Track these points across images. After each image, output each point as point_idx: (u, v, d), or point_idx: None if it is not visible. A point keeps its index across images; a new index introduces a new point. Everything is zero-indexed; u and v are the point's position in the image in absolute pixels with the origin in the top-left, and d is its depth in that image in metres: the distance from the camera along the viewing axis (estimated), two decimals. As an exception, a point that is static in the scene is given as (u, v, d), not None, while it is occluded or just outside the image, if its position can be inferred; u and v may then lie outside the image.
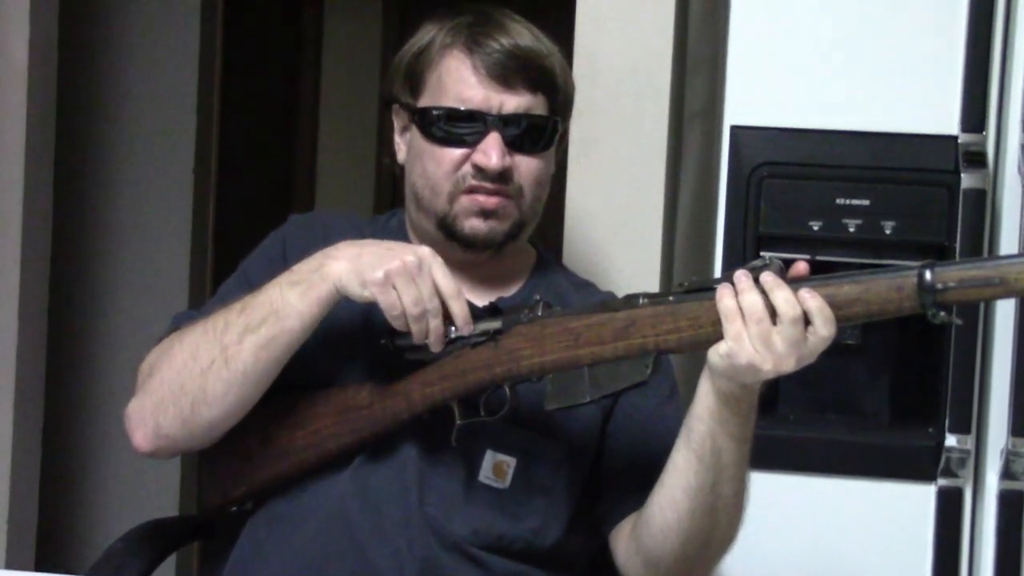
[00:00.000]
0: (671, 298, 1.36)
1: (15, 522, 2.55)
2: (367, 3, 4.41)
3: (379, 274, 1.40)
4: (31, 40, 2.47)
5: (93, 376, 3.07)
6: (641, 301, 1.37)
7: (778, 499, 1.84)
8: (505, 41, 1.54)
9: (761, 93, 1.88)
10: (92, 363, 3.07)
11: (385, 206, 4.26)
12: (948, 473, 1.82)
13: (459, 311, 1.43)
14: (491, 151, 1.52)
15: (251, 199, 3.88)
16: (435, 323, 1.42)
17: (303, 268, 1.45)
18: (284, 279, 1.45)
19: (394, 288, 1.40)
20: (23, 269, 2.51)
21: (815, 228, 1.85)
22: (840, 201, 1.85)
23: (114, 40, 3.04)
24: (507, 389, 1.44)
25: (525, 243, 1.65)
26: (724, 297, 1.31)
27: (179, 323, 1.56)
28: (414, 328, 1.42)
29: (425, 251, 1.43)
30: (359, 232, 1.63)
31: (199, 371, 1.45)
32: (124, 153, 3.06)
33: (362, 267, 1.42)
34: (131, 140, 3.06)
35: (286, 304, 1.43)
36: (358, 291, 1.42)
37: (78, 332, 3.05)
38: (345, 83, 4.39)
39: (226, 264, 1.67)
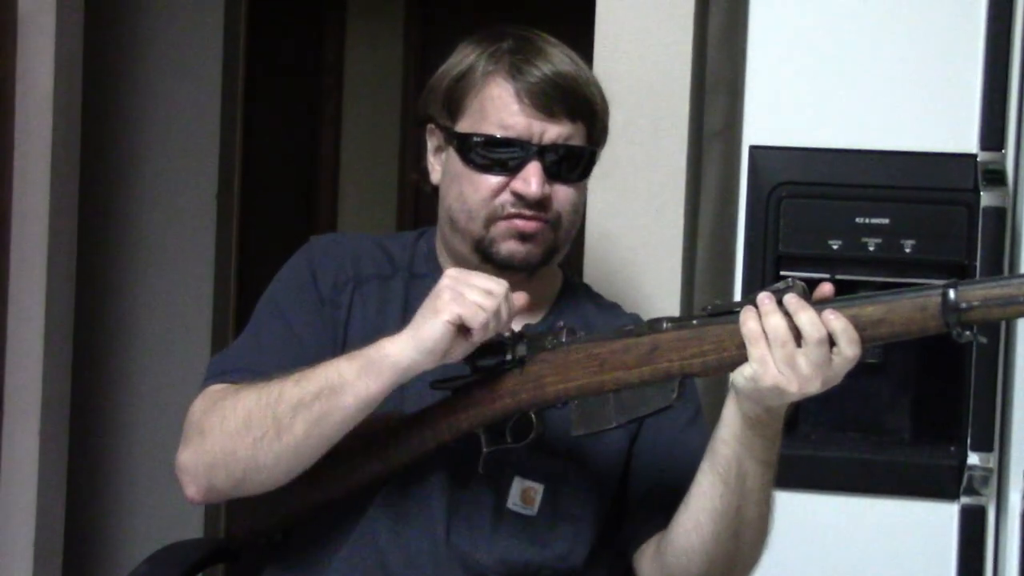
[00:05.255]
0: (695, 322, 1.36)
1: (42, 544, 2.57)
2: (388, 28, 4.43)
3: (441, 299, 1.38)
4: (56, 65, 2.49)
5: (118, 399, 3.09)
6: (665, 326, 1.37)
7: (800, 518, 1.83)
8: (547, 68, 1.53)
9: (780, 113, 1.89)
10: (117, 386, 3.09)
11: (407, 228, 4.27)
12: (971, 491, 1.82)
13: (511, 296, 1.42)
14: (532, 180, 1.51)
15: (274, 221, 3.91)
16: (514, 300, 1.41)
17: (365, 349, 1.41)
18: (344, 357, 1.42)
19: (462, 298, 1.38)
20: (48, 293, 2.53)
21: (835, 247, 1.85)
22: (860, 220, 1.85)
23: (137, 65, 3.07)
24: (533, 416, 1.44)
25: (554, 267, 1.65)
26: (748, 320, 1.31)
27: (218, 370, 1.53)
28: (494, 323, 1.39)
29: (451, 270, 1.44)
30: (386, 254, 1.63)
31: (251, 440, 1.42)
32: (148, 177, 3.09)
33: (417, 320, 1.39)
34: (155, 164, 3.08)
35: (343, 380, 1.40)
36: (432, 335, 1.37)
37: (102, 354, 3.07)
38: (367, 107, 4.41)
39: (249, 285, 1.68)
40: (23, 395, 2.52)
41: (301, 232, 1.69)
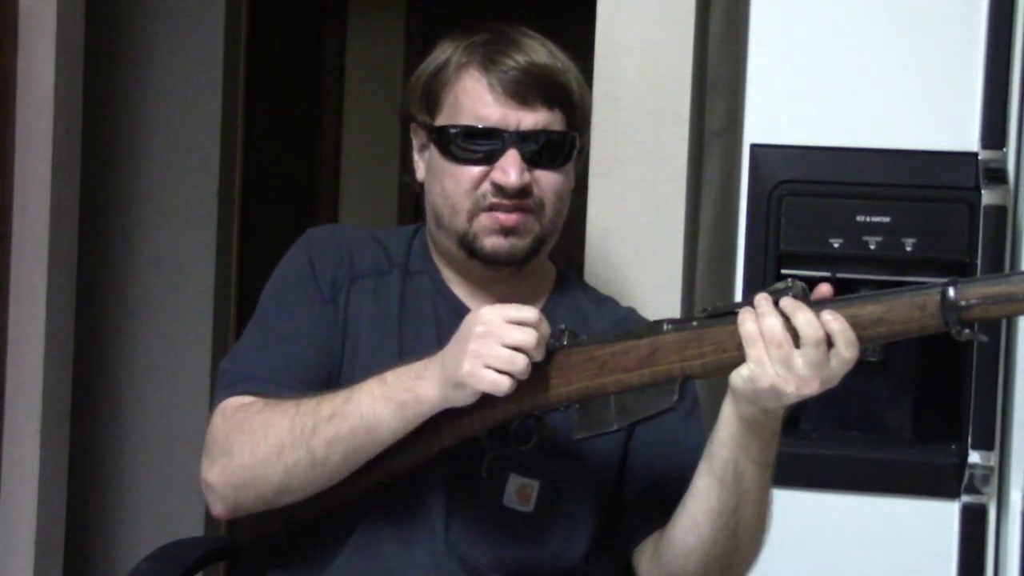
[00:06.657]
0: (695, 323, 1.36)
1: (43, 541, 2.57)
2: (389, 26, 4.43)
3: (464, 367, 1.36)
4: (57, 66, 2.49)
5: (118, 398, 3.09)
6: (665, 327, 1.37)
7: (801, 516, 1.83)
8: (521, 58, 1.54)
9: (781, 111, 1.89)
10: (117, 385, 3.09)
11: (407, 226, 4.25)
12: (971, 490, 1.82)
13: (535, 327, 1.38)
14: (510, 169, 1.52)
15: (274, 219, 3.90)
16: (536, 346, 1.37)
17: (397, 385, 1.41)
18: (377, 390, 1.41)
19: (485, 368, 1.35)
20: (50, 293, 2.53)
21: (835, 245, 1.85)
22: (860, 218, 1.85)
23: (138, 65, 3.07)
24: (534, 420, 1.43)
25: (546, 261, 1.65)
26: (746, 321, 1.31)
27: (233, 379, 1.52)
28: (522, 375, 1.36)
29: (484, 312, 1.38)
30: (383, 250, 1.63)
31: (283, 468, 1.43)
32: (149, 175, 3.09)
33: (447, 375, 1.38)
34: (156, 162, 3.09)
35: (378, 421, 1.41)
36: (462, 397, 1.38)
37: (103, 353, 3.07)
38: (367, 106, 4.41)
39: (250, 283, 1.68)
40: (23, 395, 2.52)
41: (302, 230, 1.69)
